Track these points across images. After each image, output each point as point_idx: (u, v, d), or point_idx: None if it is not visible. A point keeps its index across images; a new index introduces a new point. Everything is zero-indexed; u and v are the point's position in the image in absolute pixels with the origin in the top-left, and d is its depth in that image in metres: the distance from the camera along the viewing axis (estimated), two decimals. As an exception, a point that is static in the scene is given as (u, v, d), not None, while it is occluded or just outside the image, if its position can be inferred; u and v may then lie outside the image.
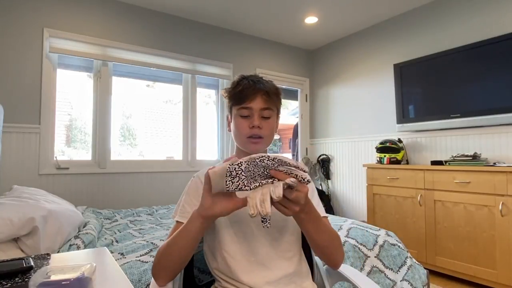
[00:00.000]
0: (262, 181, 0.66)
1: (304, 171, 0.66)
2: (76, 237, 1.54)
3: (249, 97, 0.88)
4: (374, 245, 1.65)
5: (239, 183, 0.66)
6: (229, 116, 0.96)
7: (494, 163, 2.32)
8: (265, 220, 0.67)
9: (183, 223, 0.79)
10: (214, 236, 0.88)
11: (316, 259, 1.05)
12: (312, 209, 0.77)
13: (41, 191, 1.98)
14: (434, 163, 2.56)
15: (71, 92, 2.81)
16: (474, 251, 2.23)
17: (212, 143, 3.56)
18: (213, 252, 0.88)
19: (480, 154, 2.46)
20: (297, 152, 4.31)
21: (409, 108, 2.99)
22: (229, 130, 0.97)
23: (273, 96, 0.92)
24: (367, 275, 1.54)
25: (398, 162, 2.88)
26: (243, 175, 0.66)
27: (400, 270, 1.63)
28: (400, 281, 1.59)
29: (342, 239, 1.59)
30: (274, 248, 0.86)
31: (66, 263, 0.76)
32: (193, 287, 1.04)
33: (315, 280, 1.00)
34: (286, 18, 3.37)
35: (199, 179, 0.91)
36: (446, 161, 2.50)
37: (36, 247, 1.36)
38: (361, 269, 1.54)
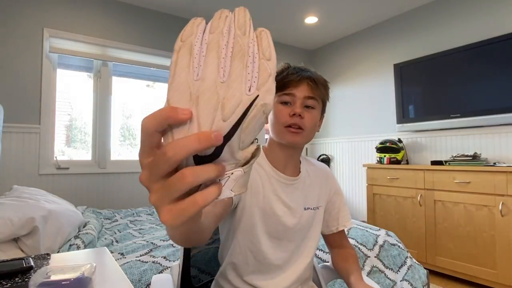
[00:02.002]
0: None
1: None
2: (76, 237, 1.55)
3: (293, 84, 0.80)
4: (374, 245, 1.65)
5: None
6: None
7: (494, 163, 2.32)
8: None
9: None
10: (247, 231, 0.80)
11: None
12: None
13: (41, 191, 1.98)
14: (434, 163, 2.56)
15: (71, 92, 2.80)
16: (474, 251, 2.23)
17: (212, 143, 3.55)
18: (240, 246, 0.81)
19: (480, 154, 2.45)
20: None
21: (409, 108, 2.99)
22: (266, 123, 0.86)
23: (321, 86, 0.83)
24: (367, 275, 1.54)
25: (398, 162, 2.87)
26: None
27: (400, 270, 1.63)
28: (400, 281, 1.59)
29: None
30: (295, 254, 0.85)
31: (66, 263, 0.76)
32: (190, 287, 1.04)
33: (312, 278, 1.00)
34: (286, 18, 3.36)
35: None
36: (446, 161, 2.50)
37: (36, 247, 1.37)
38: (361, 269, 1.54)
